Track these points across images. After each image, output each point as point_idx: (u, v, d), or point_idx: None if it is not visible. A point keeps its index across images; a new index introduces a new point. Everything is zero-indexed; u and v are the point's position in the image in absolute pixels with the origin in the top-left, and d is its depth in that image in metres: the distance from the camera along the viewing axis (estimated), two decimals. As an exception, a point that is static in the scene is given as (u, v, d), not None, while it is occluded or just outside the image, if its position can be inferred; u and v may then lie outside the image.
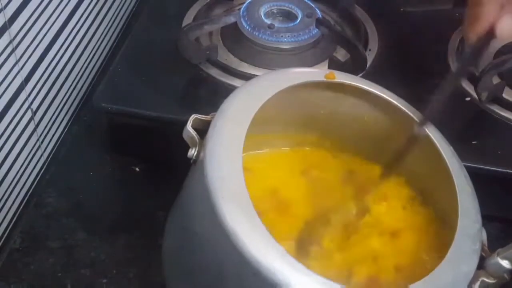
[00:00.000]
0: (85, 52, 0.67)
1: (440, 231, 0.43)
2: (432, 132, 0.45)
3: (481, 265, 0.39)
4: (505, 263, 0.38)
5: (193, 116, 0.42)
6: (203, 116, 0.42)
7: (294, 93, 0.45)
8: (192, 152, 0.41)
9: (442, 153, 0.43)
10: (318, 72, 0.47)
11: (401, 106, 0.46)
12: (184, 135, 0.41)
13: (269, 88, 0.44)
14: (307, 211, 0.46)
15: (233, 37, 0.65)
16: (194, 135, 0.41)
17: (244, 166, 0.39)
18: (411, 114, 0.46)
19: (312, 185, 0.48)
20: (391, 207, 0.47)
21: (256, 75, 0.61)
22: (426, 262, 0.40)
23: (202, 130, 0.41)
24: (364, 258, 0.44)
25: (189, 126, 0.41)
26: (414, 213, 0.46)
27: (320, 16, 0.66)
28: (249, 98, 0.43)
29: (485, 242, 0.41)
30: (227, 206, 0.36)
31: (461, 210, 0.40)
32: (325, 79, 0.46)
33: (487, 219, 0.44)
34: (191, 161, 0.41)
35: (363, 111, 0.48)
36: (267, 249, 0.35)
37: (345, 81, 0.47)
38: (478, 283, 0.38)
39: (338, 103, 0.48)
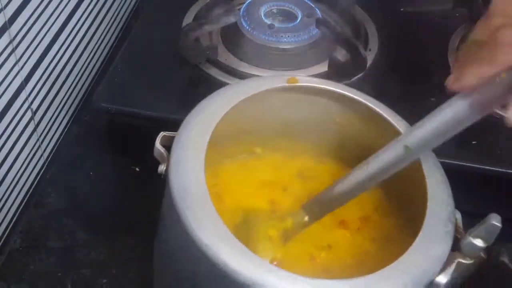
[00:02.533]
0: (85, 52, 0.67)
1: (411, 217, 0.43)
2: (397, 122, 0.45)
3: (457, 247, 0.39)
4: (478, 242, 0.38)
5: (161, 134, 0.43)
6: (171, 132, 0.43)
7: (258, 101, 0.46)
8: (162, 168, 0.42)
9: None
10: (281, 78, 0.47)
11: (373, 106, 0.46)
12: (155, 153, 0.43)
13: (231, 98, 0.44)
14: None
15: (233, 37, 0.65)
16: (163, 151, 0.42)
17: (214, 178, 0.41)
18: (383, 113, 0.46)
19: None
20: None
21: (256, 75, 0.62)
22: (397, 248, 0.39)
23: (171, 146, 0.42)
24: (329, 247, 0.45)
25: (157, 144, 0.42)
26: (382, 202, 0.47)
27: (320, 16, 0.66)
28: (212, 110, 0.44)
29: (460, 224, 0.40)
30: (191, 215, 0.37)
31: (430, 194, 0.40)
32: (286, 84, 0.46)
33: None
34: (162, 176, 0.42)
35: (334, 113, 0.48)
36: (237, 255, 0.36)
37: (309, 84, 0.47)
38: (454, 265, 0.38)
39: (306, 107, 0.48)
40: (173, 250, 0.41)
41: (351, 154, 0.49)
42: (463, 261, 0.38)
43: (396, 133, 0.44)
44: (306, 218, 0.44)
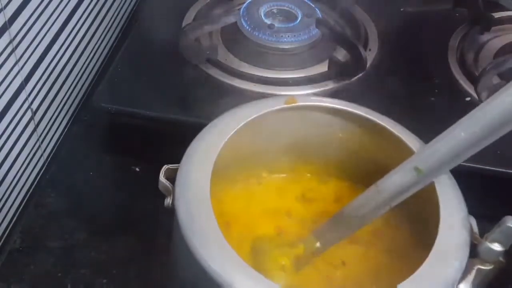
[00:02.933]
0: (85, 52, 0.67)
1: (424, 227, 0.42)
2: (400, 132, 0.45)
3: (475, 254, 0.38)
4: (495, 246, 0.37)
5: (165, 167, 0.43)
6: (174, 165, 0.43)
7: (257, 126, 0.46)
8: (168, 201, 0.42)
9: (412, 148, 0.43)
10: (279, 99, 0.47)
11: (375, 119, 0.46)
12: (160, 187, 0.42)
13: (231, 124, 0.44)
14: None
15: (233, 37, 0.65)
16: (168, 184, 0.42)
17: (220, 206, 0.41)
18: (385, 124, 0.45)
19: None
20: None
21: (256, 75, 0.62)
22: (412, 259, 0.39)
23: (174, 177, 0.42)
24: (343, 264, 0.44)
25: (161, 177, 0.42)
26: (391, 214, 0.46)
27: (320, 16, 0.66)
28: (212, 139, 0.44)
29: (476, 230, 0.40)
30: (200, 244, 0.37)
31: (442, 202, 0.40)
32: (285, 105, 0.46)
33: (487, 219, 0.44)
34: (169, 210, 0.41)
35: (336, 129, 0.48)
36: (249, 280, 0.36)
37: (307, 103, 0.47)
38: (474, 272, 0.37)
39: (308, 125, 0.48)
40: (189, 282, 0.41)
41: (357, 169, 0.49)
42: (482, 267, 0.37)
43: (399, 144, 0.44)
44: (318, 244, 0.43)
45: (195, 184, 0.40)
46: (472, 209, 0.42)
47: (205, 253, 0.36)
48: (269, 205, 0.48)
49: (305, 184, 0.50)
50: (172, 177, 0.42)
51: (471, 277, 0.37)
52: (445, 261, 0.37)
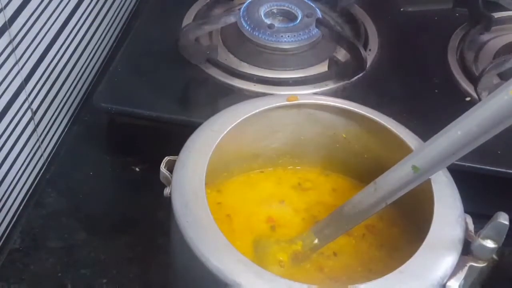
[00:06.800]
0: (85, 52, 0.67)
1: (419, 224, 0.42)
2: (399, 130, 0.45)
3: (469, 251, 0.38)
4: (488, 243, 0.37)
5: (166, 158, 0.44)
6: (174, 156, 0.44)
7: (258, 121, 0.46)
8: (167, 191, 0.42)
9: (411, 146, 0.43)
10: (281, 97, 0.47)
11: (377, 119, 0.46)
12: (161, 177, 0.43)
13: (232, 118, 0.45)
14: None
15: (233, 37, 0.65)
16: (168, 175, 0.43)
17: (219, 197, 0.43)
18: (389, 126, 0.45)
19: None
20: None
21: (256, 75, 0.62)
22: (405, 255, 0.39)
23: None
24: (335, 254, 0.45)
25: (162, 168, 0.43)
26: (387, 210, 0.45)
27: (320, 16, 0.66)
28: (213, 130, 0.44)
29: (471, 228, 0.40)
30: (192, 230, 0.38)
31: (437, 199, 0.40)
32: (287, 102, 0.47)
33: (487, 219, 0.44)
34: (167, 198, 0.42)
35: (340, 128, 0.48)
36: (239, 265, 0.36)
37: (309, 101, 0.47)
38: (466, 269, 0.37)
39: (311, 123, 0.48)
40: (182, 270, 0.42)
41: (359, 167, 0.49)
42: (475, 264, 0.37)
43: (400, 143, 0.44)
44: (316, 241, 0.44)
45: (192, 172, 0.41)
46: (473, 209, 0.42)
47: (196, 239, 0.37)
48: (265, 194, 0.49)
49: (303, 174, 0.50)
50: (172, 168, 0.43)
51: (462, 274, 0.37)
52: (435, 256, 0.37)
